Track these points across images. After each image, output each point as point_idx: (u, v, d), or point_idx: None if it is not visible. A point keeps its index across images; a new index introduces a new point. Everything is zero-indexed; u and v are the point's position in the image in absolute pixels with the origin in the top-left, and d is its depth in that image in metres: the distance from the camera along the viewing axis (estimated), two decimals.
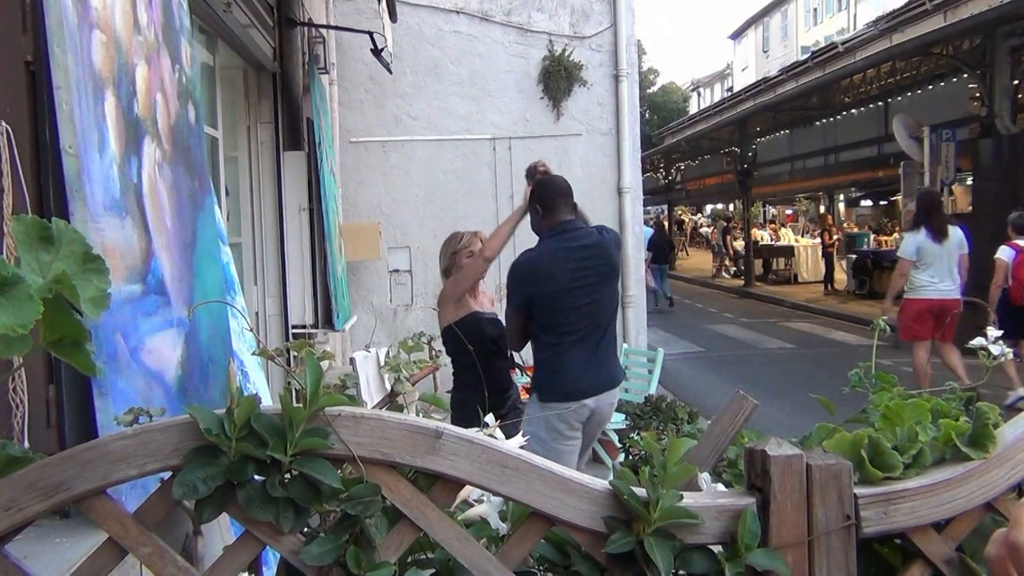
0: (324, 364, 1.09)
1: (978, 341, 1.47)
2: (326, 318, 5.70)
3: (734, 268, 23.77)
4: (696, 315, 16.30)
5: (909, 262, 7.37)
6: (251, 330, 1.77)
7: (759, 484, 1.13)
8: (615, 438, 6.32)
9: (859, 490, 1.14)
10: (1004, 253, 7.88)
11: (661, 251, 17.60)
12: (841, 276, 19.28)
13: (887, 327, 1.59)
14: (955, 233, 7.36)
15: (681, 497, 1.07)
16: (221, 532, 1.78)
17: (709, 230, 34.04)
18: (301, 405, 1.01)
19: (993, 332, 1.49)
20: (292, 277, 5.34)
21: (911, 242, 7.42)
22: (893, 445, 1.22)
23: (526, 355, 3.98)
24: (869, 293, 17.08)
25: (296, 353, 1.15)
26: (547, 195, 3.67)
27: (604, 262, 3.63)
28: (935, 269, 7.27)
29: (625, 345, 7.66)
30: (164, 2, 2.24)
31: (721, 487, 1.24)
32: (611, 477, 1.13)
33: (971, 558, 1.19)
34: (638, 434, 4.44)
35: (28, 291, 0.83)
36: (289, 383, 1.12)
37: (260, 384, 2.97)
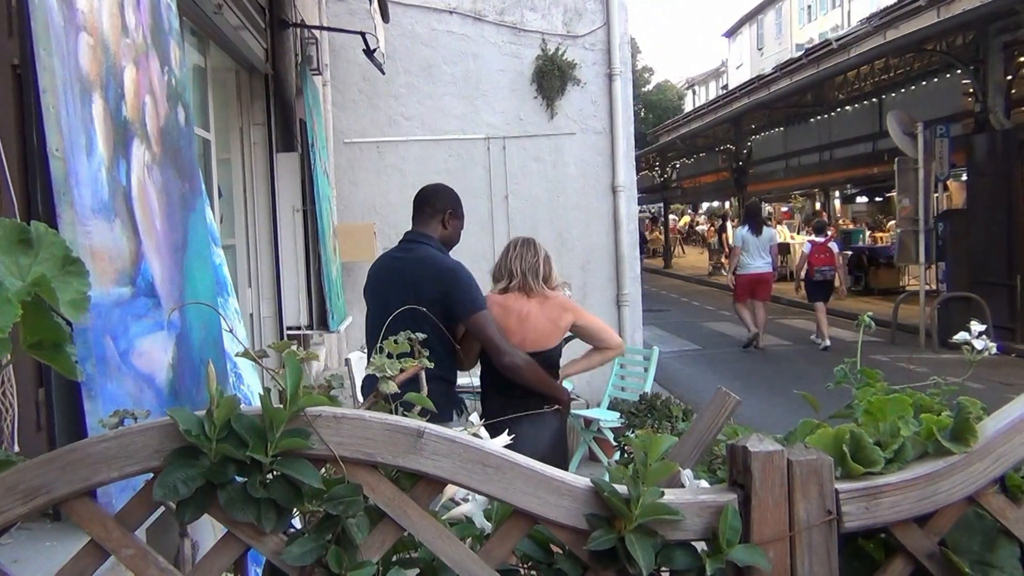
0: (319, 365, 1.09)
1: (961, 336, 1.48)
2: (321, 319, 5.70)
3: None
4: (692, 313, 16.31)
5: (739, 248, 11.28)
6: (231, 331, 1.76)
7: (741, 480, 1.13)
8: (611, 436, 6.32)
9: (840, 485, 1.15)
10: (805, 247, 12.30)
11: None
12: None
13: (872, 323, 1.60)
14: (768, 231, 11.49)
15: (662, 494, 1.08)
16: (215, 534, 1.78)
17: (705, 228, 34.03)
18: (282, 406, 1.01)
19: (977, 327, 1.50)
20: (286, 279, 5.34)
21: (739, 234, 11.43)
22: (875, 440, 1.23)
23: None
24: (864, 289, 17.11)
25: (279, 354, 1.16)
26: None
27: (407, 282, 3.17)
28: (751, 254, 11.13)
29: None
30: (152, 4, 2.24)
31: (704, 483, 1.24)
32: (606, 476, 1.13)
33: (954, 552, 1.20)
34: (633, 432, 4.44)
35: (6, 294, 0.83)
36: (274, 384, 1.12)
37: (254, 386, 2.97)
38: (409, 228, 3.45)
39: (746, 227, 11.31)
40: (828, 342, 11.39)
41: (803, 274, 12.09)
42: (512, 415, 2.83)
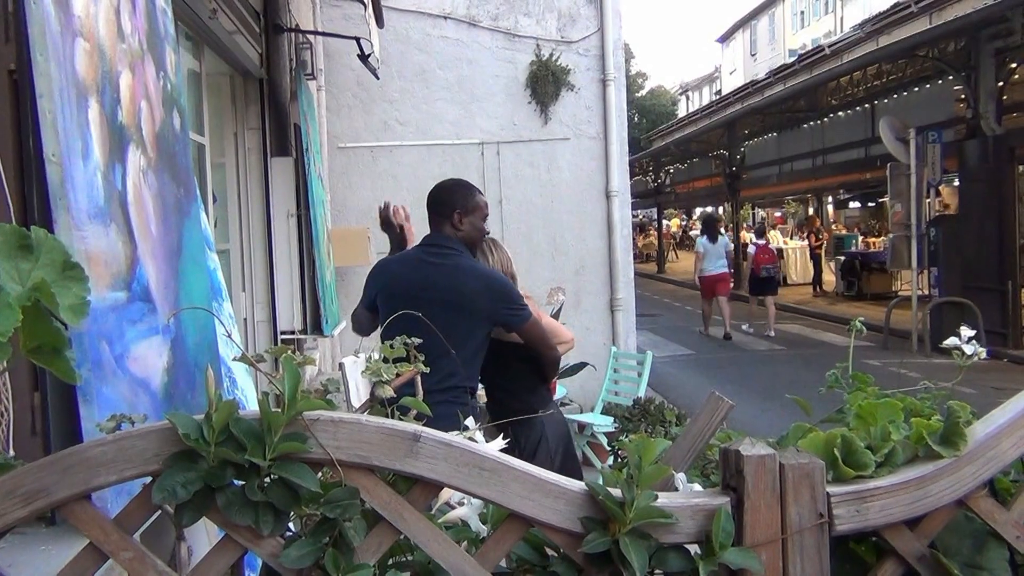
0: (312, 369, 1.10)
1: (951, 341, 1.49)
2: (315, 324, 5.71)
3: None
4: (685, 318, 16.33)
5: (700, 253, 13.43)
6: (228, 335, 1.77)
7: (733, 483, 1.14)
8: (604, 441, 6.33)
9: (832, 488, 1.16)
10: (750, 248, 15.13)
11: None
12: (830, 278, 19.39)
13: (863, 328, 1.61)
14: (722, 239, 13.57)
15: (656, 497, 1.09)
16: (208, 537, 1.79)
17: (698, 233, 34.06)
18: (280, 410, 1.02)
19: (967, 332, 1.51)
20: (280, 283, 5.34)
21: (699, 242, 13.74)
22: (866, 444, 1.24)
23: None
24: (857, 294, 17.19)
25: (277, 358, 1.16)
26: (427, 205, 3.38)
27: (446, 291, 3.08)
28: (710, 258, 13.24)
29: (614, 348, 7.68)
30: (148, 10, 2.25)
31: (698, 487, 1.25)
32: (600, 480, 1.14)
33: (944, 554, 1.21)
34: (627, 436, 4.44)
35: (7, 299, 0.84)
36: (271, 388, 1.13)
37: (248, 391, 2.97)
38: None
39: (705, 236, 13.58)
40: (772, 333, 13.30)
41: (748, 271, 14.56)
42: (513, 417, 2.85)
